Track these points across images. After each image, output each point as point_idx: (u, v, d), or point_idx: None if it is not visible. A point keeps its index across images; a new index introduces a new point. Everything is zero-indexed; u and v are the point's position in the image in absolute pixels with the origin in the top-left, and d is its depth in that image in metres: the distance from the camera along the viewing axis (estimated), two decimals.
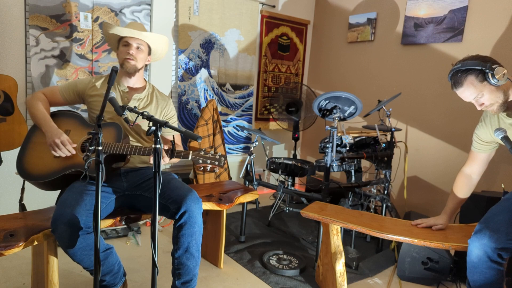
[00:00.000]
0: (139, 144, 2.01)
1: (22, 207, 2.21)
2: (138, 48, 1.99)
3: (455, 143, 3.10)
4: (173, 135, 2.09)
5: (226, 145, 3.82)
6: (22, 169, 1.87)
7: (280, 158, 3.26)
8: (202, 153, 1.75)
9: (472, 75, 1.65)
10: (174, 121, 2.18)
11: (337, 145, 2.80)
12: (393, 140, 2.86)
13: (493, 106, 1.69)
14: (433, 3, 3.19)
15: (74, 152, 1.80)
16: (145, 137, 2.04)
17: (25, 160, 1.88)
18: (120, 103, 1.93)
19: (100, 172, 1.39)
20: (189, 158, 1.74)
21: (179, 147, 2.11)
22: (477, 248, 1.57)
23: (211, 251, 2.51)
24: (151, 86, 2.14)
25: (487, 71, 1.62)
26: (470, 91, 1.67)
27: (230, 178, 3.56)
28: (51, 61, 2.77)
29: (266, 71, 4.06)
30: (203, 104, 3.57)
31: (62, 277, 2.19)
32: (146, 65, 2.11)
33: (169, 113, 2.14)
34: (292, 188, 3.21)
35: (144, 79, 2.14)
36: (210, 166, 1.75)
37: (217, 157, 1.75)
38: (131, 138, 1.99)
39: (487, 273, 1.57)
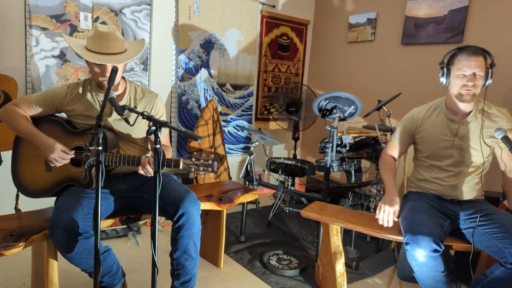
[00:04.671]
0: (131, 149, 1.96)
1: (18, 212, 2.21)
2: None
3: None
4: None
5: (226, 145, 3.82)
6: (19, 185, 1.86)
7: (280, 158, 3.26)
8: (193, 159, 1.72)
9: (484, 58, 1.85)
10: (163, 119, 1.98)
11: (337, 145, 2.80)
12: None
13: (477, 90, 1.86)
14: (433, 3, 3.19)
15: (72, 156, 1.77)
16: (136, 144, 1.96)
17: (19, 176, 1.86)
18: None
19: (100, 172, 1.39)
20: (180, 167, 1.71)
21: (168, 148, 2.02)
22: (422, 249, 1.69)
23: (211, 251, 2.51)
24: (132, 86, 1.96)
25: (493, 65, 1.87)
26: (481, 64, 1.83)
27: (230, 178, 3.56)
28: (51, 61, 2.77)
29: (266, 71, 4.06)
30: (203, 104, 3.57)
31: (62, 277, 2.19)
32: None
33: (157, 113, 1.99)
34: (292, 188, 3.21)
35: (123, 78, 1.96)
36: (204, 173, 1.73)
37: (210, 162, 1.71)
38: (123, 144, 1.93)
39: (436, 264, 1.71)
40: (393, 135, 2.18)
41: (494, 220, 1.80)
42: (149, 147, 2.05)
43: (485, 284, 1.77)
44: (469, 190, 1.97)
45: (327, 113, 2.78)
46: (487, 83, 1.87)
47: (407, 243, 1.75)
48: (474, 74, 1.82)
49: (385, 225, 1.90)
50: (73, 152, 1.77)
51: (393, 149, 2.17)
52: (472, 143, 1.93)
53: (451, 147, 1.96)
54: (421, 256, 1.70)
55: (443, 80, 1.93)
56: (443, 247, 1.70)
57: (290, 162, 3.15)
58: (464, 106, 1.93)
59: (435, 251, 1.68)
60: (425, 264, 1.71)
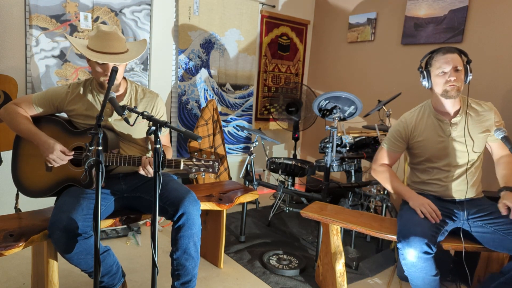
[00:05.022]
0: (132, 149, 1.96)
1: (18, 212, 2.21)
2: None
3: None
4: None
5: (226, 145, 3.82)
6: (19, 185, 1.86)
7: (280, 158, 3.26)
8: (194, 160, 1.72)
9: (459, 55, 1.91)
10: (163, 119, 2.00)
11: (337, 145, 2.80)
12: None
13: (460, 84, 1.87)
14: (433, 3, 3.19)
15: (71, 157, 1.76)
16: (136, 144, 1.96)
17: (19, 176, 1.85)
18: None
19: (100, 172, 1.39)
20: (181, 168, 1.71)
21: (168, 148, 2.02)
22: (412, 248, 1.69)
23: (211, 251, 2.51)
24: (133, 86, 1.96)
25: (469, 61, 1.91)
26: (458, 59, 1.88)
27: (230, 178, 3.56)
28: (51, 61, 2.77)
29: (266, 71, 4.06)
30: (203, 104, 3.57)
31: (62, 277, 2.19)
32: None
33: (158, 113, 2.00)
34: (292, 188, 3.21)
35: (125, 78, 1.95)
36: (204, 173, 1.73)
37: (211, 163, 1.71)
38: (123, 144, 1.92)
39: (426, 266, 1.71)
40: (383, 144, 2.14)
41: (504, 217, 1.79)
42: (150, 147, 2.05)
43: (503, 282, 1.75)
44: (468, 188, 1.97)
45: (327, 113, 2.78)
46: (468, 79, 1.91)
47: (398, 241, 1.76)
48: (454, 69, 1.86)
49: (437, 220, 1.82)
50: (73, 153, 1.77)
51: (386, 158, 2.12)
52: (466, 141, 1.94)
53: (446, 148, 1.96)
54: (411, 256, 1.70)
55: (425, 83, 1.97)
56: (434, 250, 1.69)
57: (290, 162, 3.15)
58: (451, 103, 1.94)
59: (426, 253, 1.68)
60: (414, 264, 1.71)
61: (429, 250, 1.67)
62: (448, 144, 1.96)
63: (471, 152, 1.94)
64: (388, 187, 2.07)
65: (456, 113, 1.97)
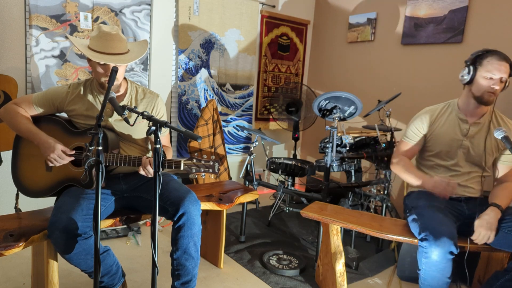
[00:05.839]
0: (132, 150, 1.96)
1: (18, 212, 2.21)
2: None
3: None
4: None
5: (226, 145, 3.82)
6: (19, 185, 1.86)
7: (280, 158, 3.26)
8: (194, 161, 1.72)
9: (510, 67, 1.87)
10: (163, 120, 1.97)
11: (337, 145, 2.80)
12: (393, 140, 2.86)
13: (497, 94, 1.88)
14: (433, 3, 3.19)
15: (72, 159, 1.77)
16: (136, 144, 1.96)
17: (19, 175, 1.85)
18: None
19: (100, 173, 1.39)
20: (181, 168, 1.70)
21: (168, 149, 2.02)
22: (440, 248, 1.66)
23: (211, 251, 2.51)
24: (133, 87, 1.96)
25: (511, 75, 1.88)
26: (508, 71, 1.85)
27: (230, 178, 3.56)
28: (51, 61, 2.77)
29: (266, 71, 4.06)
30: (203, 104, 3.57)
31: (62, 277, 2.19)
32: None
33: (158, 114, 2.00)
34: (292, 188, 3.21)
35: (125, 78, 1.95)
36: (204, 174, 1.73)
37: (211, 163, 1.71)
38: (123, 144, 1.92)
39: (446, 267, 1.69)
40: (402, 137, 2.14)
41: (508, 215, 1.79)
42: (150, 147, 2.05)
43: (509, 279, 1.75)
44: (473, 190, 1.98)
45: (327, 113, 2.78)
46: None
47: (424, 239, 1.71)
48: (501, 79, 1.84)
49: (453, 192, 1.84)
50: (73, 152, 1.77)
51: (406, 150, 2.10)
52: (479, 146, 1.95)
53: (458, 147, 1.97)
54: (436, 255, 1.67)
55: (466, 77, 1.91)
56: (458, 250, 1.67)
57: (290, 162, 3.15)
58: (480, 108, 1.94)
59: (451, 253, 1.66)
60: (436, 263, 1.68)
61: (455, 251, 1.66)
62: (461, 144, 1.96)
63: (481, 158, 1.95)
64: (405, 177, 2.03)
65: (480, 117, 1.97)
